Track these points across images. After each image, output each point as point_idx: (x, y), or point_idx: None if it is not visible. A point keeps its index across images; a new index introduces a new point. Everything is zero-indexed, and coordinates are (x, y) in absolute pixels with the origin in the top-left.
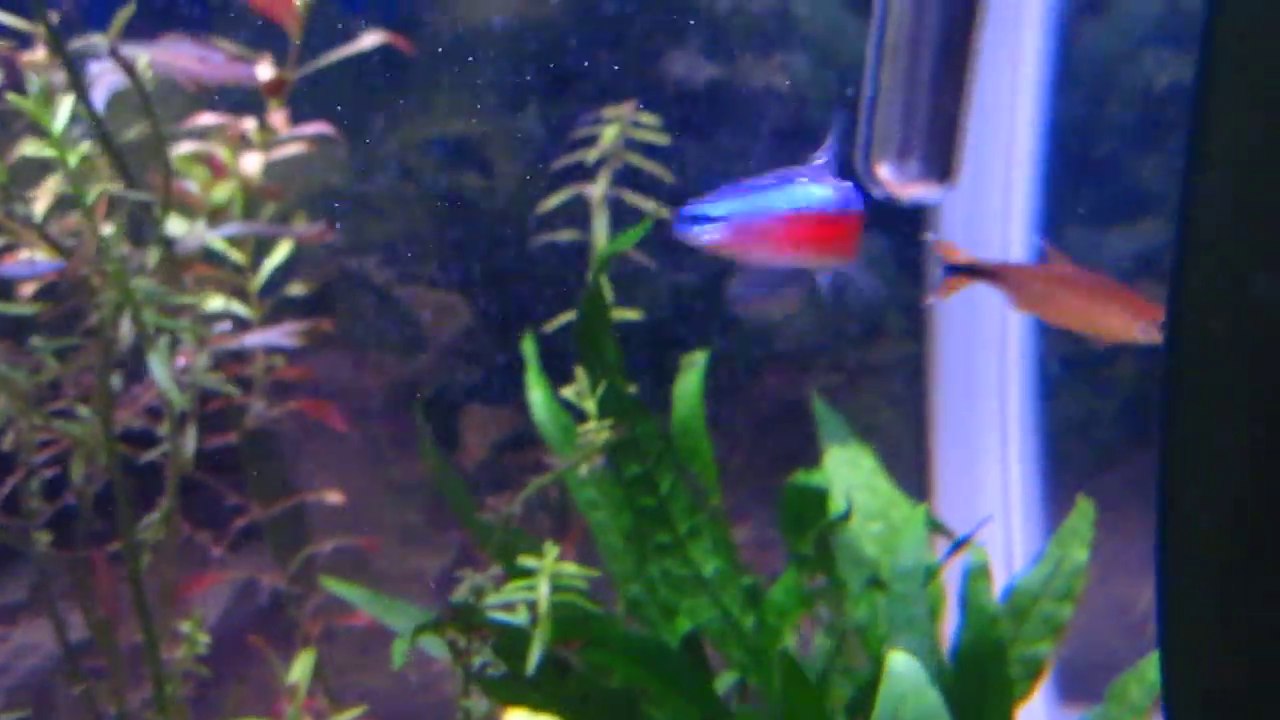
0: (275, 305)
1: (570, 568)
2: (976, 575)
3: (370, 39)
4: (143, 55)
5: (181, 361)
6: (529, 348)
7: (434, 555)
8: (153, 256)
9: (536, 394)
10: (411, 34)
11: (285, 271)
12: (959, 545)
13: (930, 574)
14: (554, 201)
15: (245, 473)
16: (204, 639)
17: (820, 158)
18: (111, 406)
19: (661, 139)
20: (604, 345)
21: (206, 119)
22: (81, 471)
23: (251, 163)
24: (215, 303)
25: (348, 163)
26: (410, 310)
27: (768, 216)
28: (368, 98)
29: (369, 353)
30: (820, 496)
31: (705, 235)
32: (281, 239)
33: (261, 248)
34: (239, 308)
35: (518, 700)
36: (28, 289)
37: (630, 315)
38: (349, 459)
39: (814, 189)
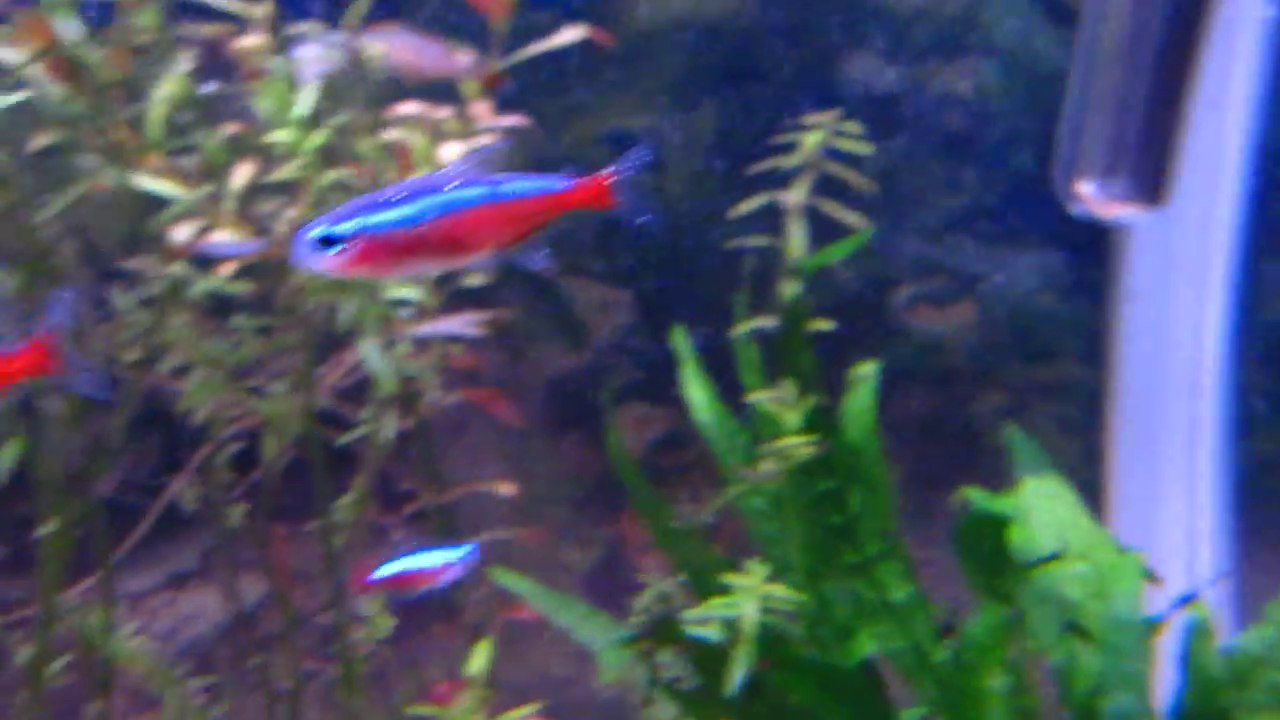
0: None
1: (779, 590)
2: (1199, 635)
3: (570, 33)
4: (375, 46)
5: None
6: (681, 343)
7: (582, 550)
8: None
9: (697, 394)
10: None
11: None
12: (1184, 602)
13: (1151, 629)
14: (749, 206)
15: (414, 459)
16: (388, 622)
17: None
18: (313, 387)
19: (864, 148)
20: (801, 356)
21: (407, 108)
22: (275, 448)
23: (451, 152)
24: (395, 290)
25: (522, 155)
26: (573, 304)
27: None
28: (545, 90)
29: (529, 345)
30: (999, 525)
31: (330, 258)
32: None
33: None
34: (416, 295)
35: (709, 714)
36: (228, 268)
37: (824, 326)
38: (501, 450)
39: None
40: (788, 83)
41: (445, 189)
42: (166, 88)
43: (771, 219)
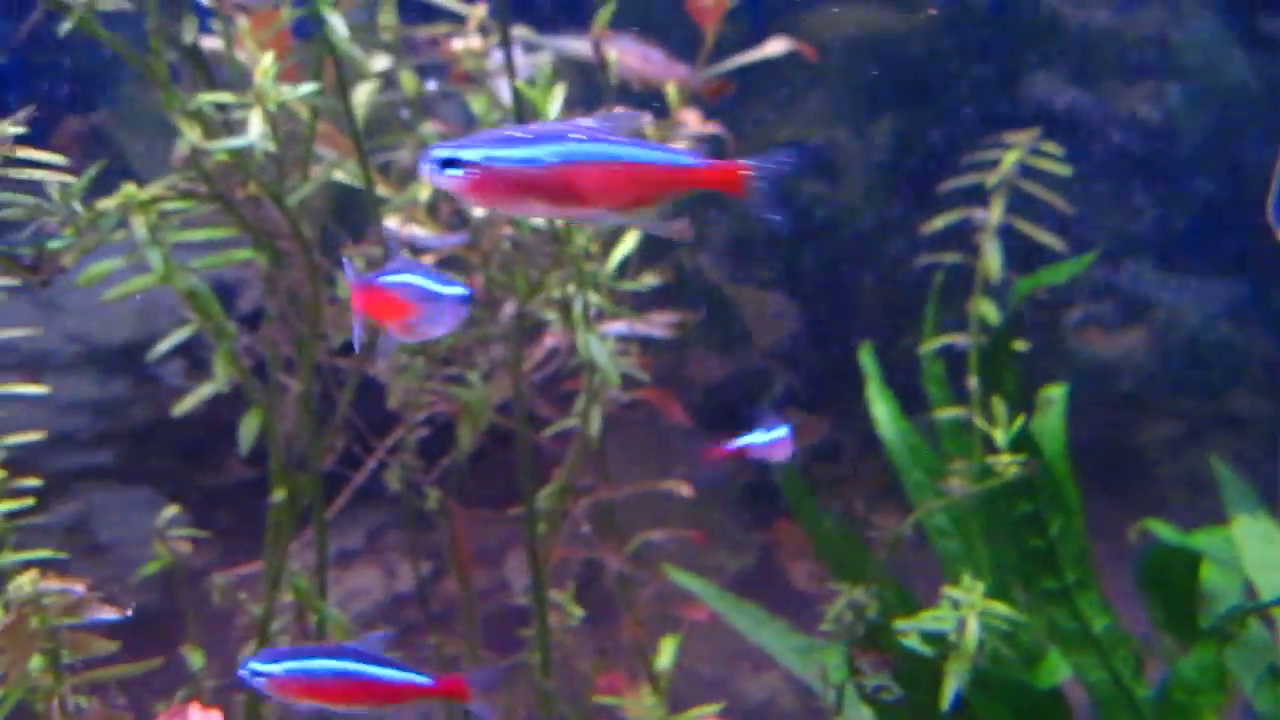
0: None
1: (1000, 607)
2: None
3: (776, 45)
4: (611, 52)
5: (549, 342)
6: (868, 360)
7: (735, 554)
8: (579, 237)
9: (882, 409)
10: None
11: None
12: None
13: None
14: (941, 222)
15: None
16: (578, 612)
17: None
18: (523, 377)
19: (1063, 170)
20: (1006, 376)
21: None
22: (468, 436)
23: None
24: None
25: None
26: (739, 311)
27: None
28: (731, 99)
29: (694, 348)
30: (1191, 563)
31: (453, 180)
32: (631, 230)
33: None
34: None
35: None
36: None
37: (1020, 346)
38: (659, 449)
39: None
40: (965, 100)
41: (573, 137)
42: (407, 84)
43: (945, 236)
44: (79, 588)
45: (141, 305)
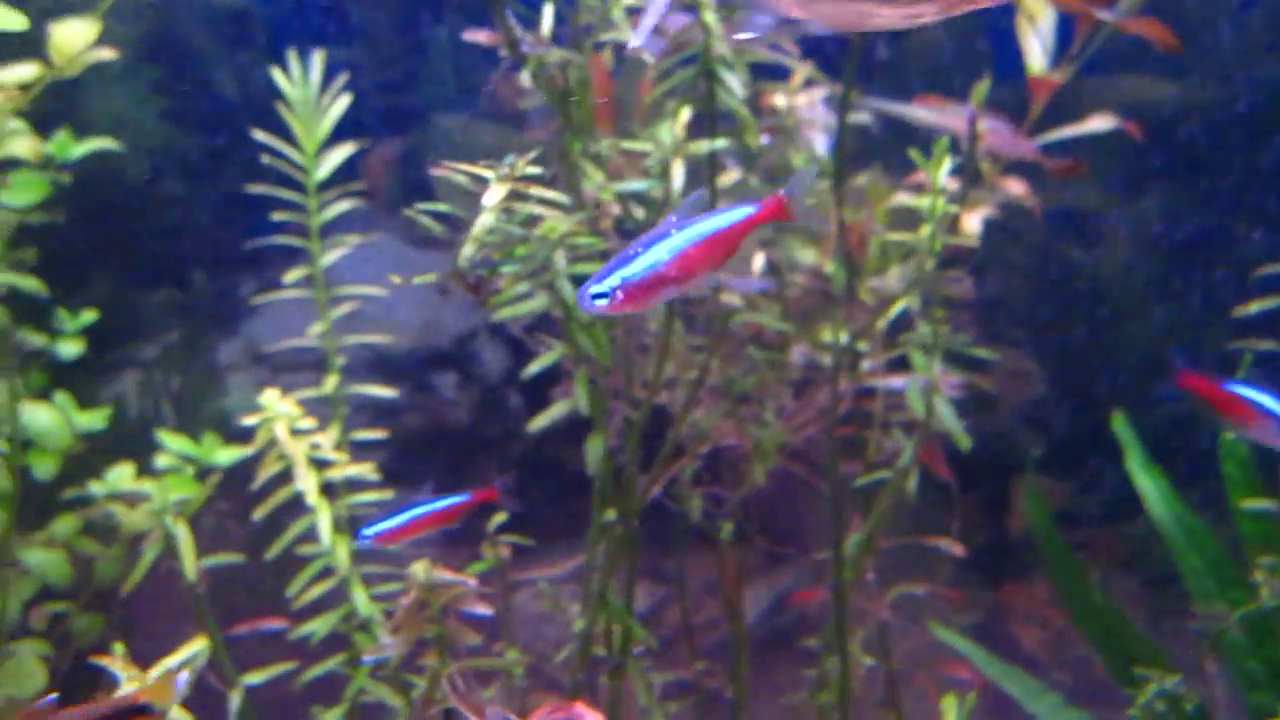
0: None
1: None
2: None
3: (1100, 121)
4: (955, 121)
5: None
6: (1124, 430)
7: (961, 614)
8: (908, 293)
9: (1149, 484)
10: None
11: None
12: None
13: None
14: (1255, 308)
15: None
16: (867, 660)
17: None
18: (835, 421)
19: None
20: None
21: (923, 178)
22: (761, 473)
23: (973, 222)
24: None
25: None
26: (987, 371)
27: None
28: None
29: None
30: None
31: (603, 306)
32: (919, 289)
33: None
34: (860, 345)
35: None
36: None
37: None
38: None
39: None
40: (1242, 176)
41: (675, 235)
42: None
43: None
44: (471, 580)
45: (425, 323)
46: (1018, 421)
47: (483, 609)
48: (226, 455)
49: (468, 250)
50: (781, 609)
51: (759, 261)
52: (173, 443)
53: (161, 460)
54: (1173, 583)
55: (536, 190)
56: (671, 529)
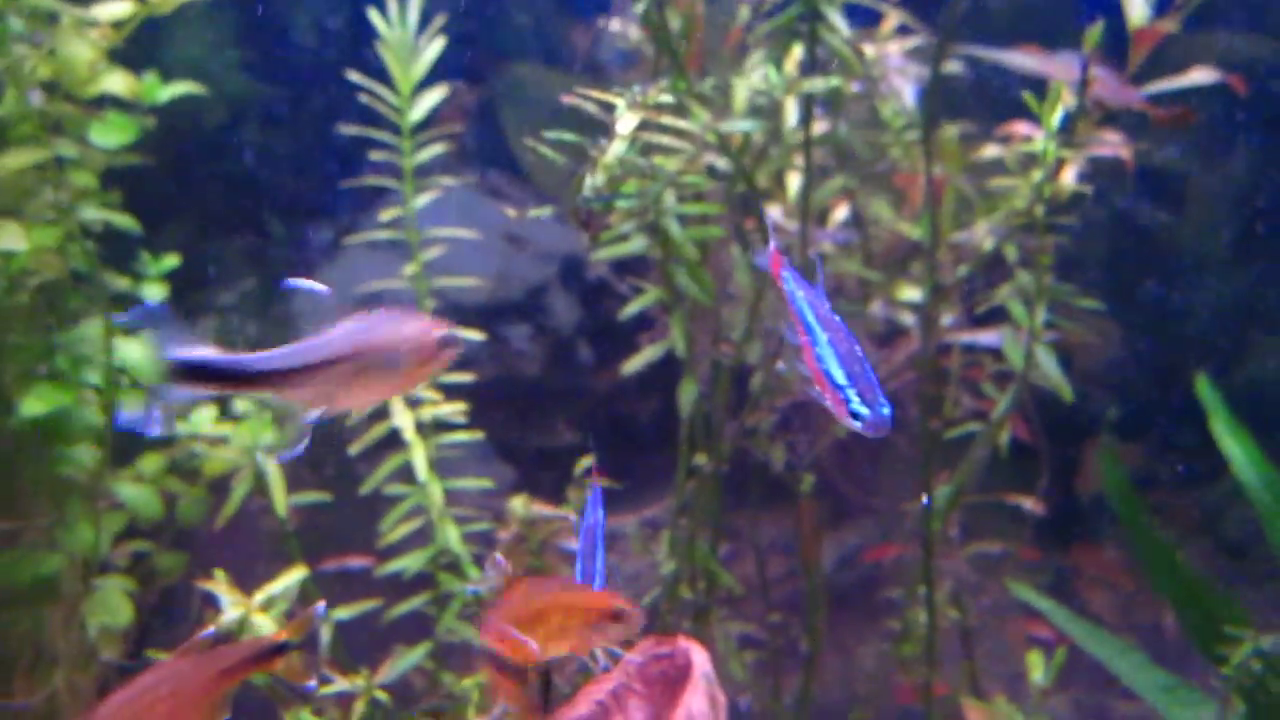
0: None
1: None
2: None
3: (1202, 74)
4: (1060, 68)
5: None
6: (1209, 393)
7: (1031, 576)
8: (1005, 242)
9: (1236, 448)
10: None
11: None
12: None
13: None
14: None
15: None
16: (952, 613)
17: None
18: (930, 370)
19: None
20: None
21: (1019, 127)
22: (842, 428)
23: (1068, 177)
24: (912, 293)
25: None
26: (1062, 332)
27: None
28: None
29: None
30: None
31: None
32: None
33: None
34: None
35: None
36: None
37: None
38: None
39: None
40: None
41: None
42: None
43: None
44: (570, 514)
45: (499, 274)
46: (1093, 383)
47: (574, 544)
48: None
49: (597, 179)
50: (848, 566)
51: (841, 213)
52: None
53: (241, 405)
54: (1250, 550)
55: (669, 120)
56: (741, 485)
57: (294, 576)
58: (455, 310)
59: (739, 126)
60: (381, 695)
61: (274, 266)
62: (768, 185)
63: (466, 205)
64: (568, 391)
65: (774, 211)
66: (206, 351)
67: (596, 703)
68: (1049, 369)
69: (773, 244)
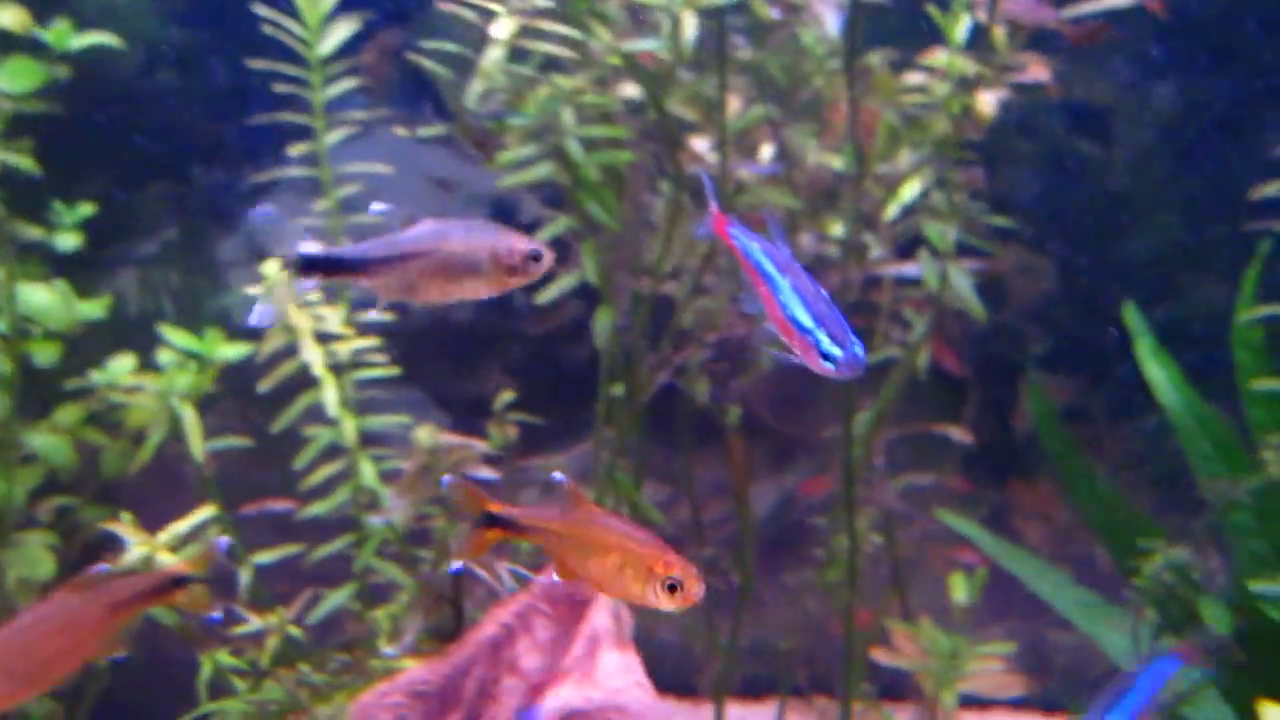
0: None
1: None
2: None
3: None
4: None
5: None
6: (1136, 320)
7: (966, 510)
8: (918, 172)
9: (1159, 373)
10: None
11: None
12: None
13: None
14: (1274, 189)
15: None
16: (876, 538)
17: None
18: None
19: None
20: None
21: (937, 55)
22: (769, 360)
23: (986, 101)
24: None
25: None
26: (994, 266)
27: None
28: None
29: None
30: None
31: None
32: (919, 175)
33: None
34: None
35: (1244, 689)
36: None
37: None
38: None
39: None
40: (1263, 70)
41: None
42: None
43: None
44: (479, 444)
45: (429, 217)
46: (1027, 318)
47: (487, 473)
48: (230, 351)
49: (476, 87)
50: (789, 508)
51: (767, 149)
52: (175, 337)
53: (164, 356)
54: (1181, 480)
55: (549, 26)
56: (678, 428)
57: (201, 516)
58: None
59: (639, 45)
60: (295, 631)
61: (196, 215)
62: (696, 118)
63: (396, 149)
64: (501, 336)
65: (699, 143)
66: (315, 246)
67: (502, 624)
68: (962, 289)
69: (712, 206)
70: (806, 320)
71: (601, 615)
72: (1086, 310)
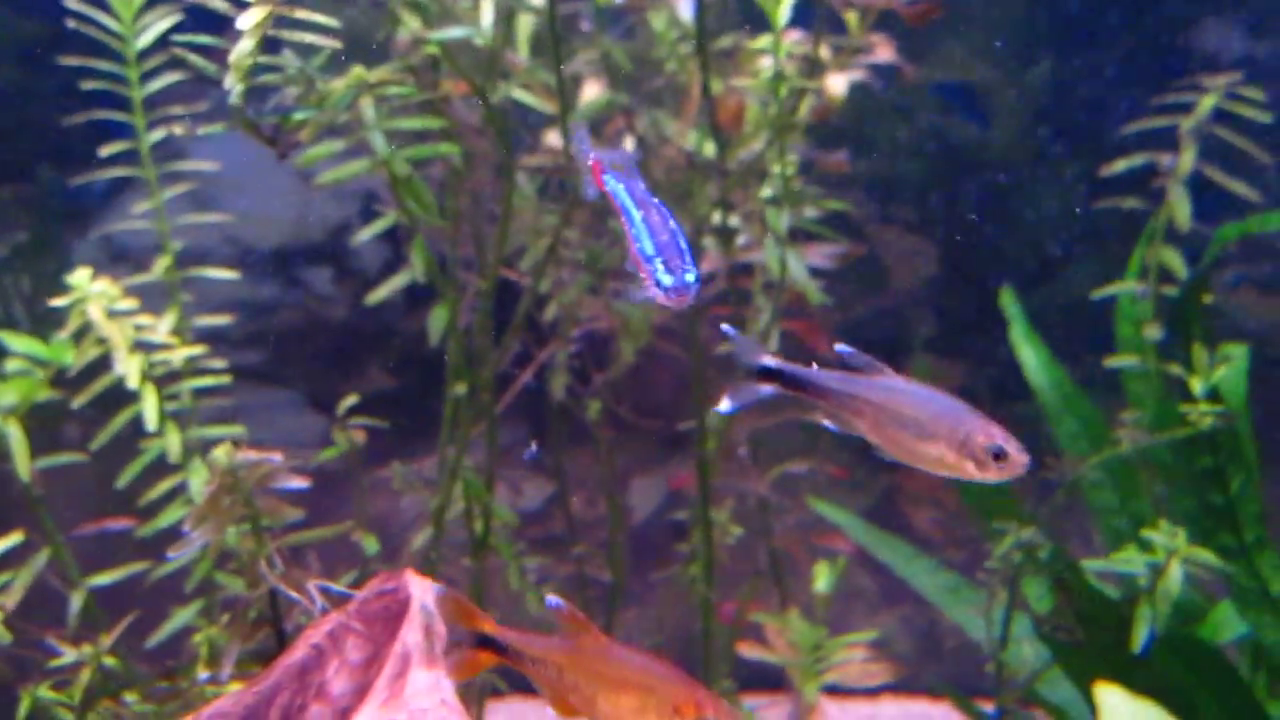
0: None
1: (1204, 554)
2: None
3: None
4: None
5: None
6: (1011, 303)
7: (855, 495)
8: (767, 157)
9: (1029, 353)
10: None
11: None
12: None
13: None
14: (1122, 165)
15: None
16: (736, 530)
17: None
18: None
19: (1264, 116)
20: (1195, 328)
21: (793, 36)
22: (629, 352)
23: (837, 83)
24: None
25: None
26: (878, 251)
27: None
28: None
29: (829, 284)
30: None
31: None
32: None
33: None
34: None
35: (1087, 668)
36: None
37: (1210, 299)
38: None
39: None
40: (1128, 49)
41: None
42: None
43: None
44: (277, 456)
45: (297, 215)
46: (909, 301)
47: (297, 483)
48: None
49: (230, 81)
50: (674, 505)
51: (629, 140)
52: (18, 344)
53: (11, 364)
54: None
55: (303, 14)
56: (559, 425)
57: (9, 541)
58: (250, 256)
59: (449, 34)
60: (111, 661)
61: (46, 217)
62: (551, 108)
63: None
64: (377, 335)
65: (552, 137)
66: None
67: (312, 646)
68: (797, 272)
69: (590, 157)
70: (650, 250)
71: (413, 632)
72: (970, 293)
